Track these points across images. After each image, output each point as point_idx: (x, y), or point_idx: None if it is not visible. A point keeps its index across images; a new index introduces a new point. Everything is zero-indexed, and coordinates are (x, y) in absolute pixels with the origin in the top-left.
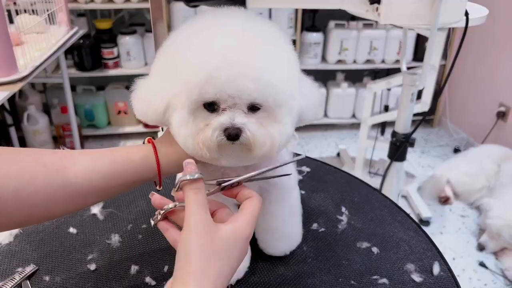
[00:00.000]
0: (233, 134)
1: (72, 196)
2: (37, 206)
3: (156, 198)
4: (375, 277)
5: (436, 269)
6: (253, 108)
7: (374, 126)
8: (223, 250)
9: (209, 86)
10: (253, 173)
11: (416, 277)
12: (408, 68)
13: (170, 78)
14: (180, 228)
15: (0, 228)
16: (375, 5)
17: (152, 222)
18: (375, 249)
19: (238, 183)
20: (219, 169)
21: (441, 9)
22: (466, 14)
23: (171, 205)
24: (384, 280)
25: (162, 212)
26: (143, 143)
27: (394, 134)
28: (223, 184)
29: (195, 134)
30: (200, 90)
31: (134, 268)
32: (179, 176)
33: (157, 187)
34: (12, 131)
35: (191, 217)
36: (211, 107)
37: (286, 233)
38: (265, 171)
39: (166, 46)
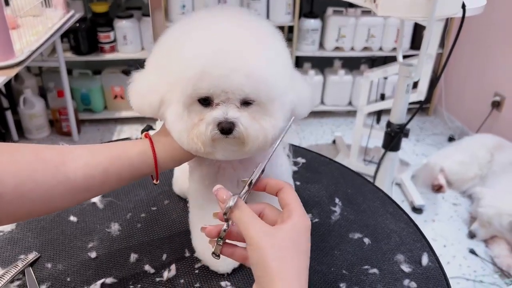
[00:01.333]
0: (226, 128)
1: (71, 192)
2: (37, 201)
3: (211, 229)
4: (366, 267)
5: (424, 260)
6: (246, 102)
7: (370, 114)
8: (291, 248)
9: (202, 82)
10: (269, 156)
11: (405, 268)
12: (406, 57)
13: (164, 73)
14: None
15: (1, 223)
16: None
17: (214, 252)
18: (366, 240)
19: (263, 171)
20: (215, 163)
21: (438, 1)
22: (463, 6)
23: (225, 226)
24: (375, 270)
25: (220, 238)
26: (141, 136)
27: (389, 124)
28: (252, 180)
29: (189, 129)
30: (194, 85)
31: (133, 257)
32: (222, 206)
33: (154, 181)
34: (9, 114)
35: (249, 231)
36: (205, 101)
37: None
38: (272, 154)
39: (162, 42)
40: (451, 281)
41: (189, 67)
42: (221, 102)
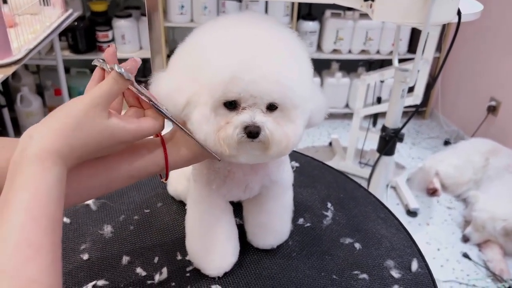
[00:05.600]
0: (253, 132)
1: (78, 188)
2: None
3: (109, 51)
4: (356, 272)
5: (414, 265)
6: (271, 108)
7: (367, 117)
8: (96, 135)
9: (233, 86)
10: (169, 114)
11: (395, 273)
12: (403, 60)
13: (193, 75)
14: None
15: None
16: (369, 1)
17: (94, 62)
18: (357, 245)
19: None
20: (226, 166)
21: (433, 8)
22: (459, 12)
23: (108, 66)
24: (364, 276)
25: (103, 63)
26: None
27: (384, 128)
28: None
29: (216, 131)
30: (224, 89)
31: (125, 259)
32: (114, 65)
33: (163, 180)
34: (5, 112)
35: (94, 93)
36: (231, 105)
37: (276, 228)
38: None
39: (189, 44)
40: (444, 285)
41: (221, 71)
42: (248, 106)
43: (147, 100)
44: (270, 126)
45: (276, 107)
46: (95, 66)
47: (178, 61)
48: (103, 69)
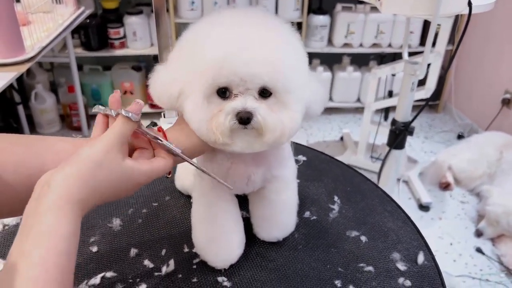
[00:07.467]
0: (244, 118)
1: None
2: None
3: (115, 96)
4: (361, 264)
5: (420, 258)
6: (264, 94)
7: (378, 111)
8: (115, 178)
9: (223, 70)
10: (178, 151)
11: (401, 266)
12: (415, 53)
13: (185, 64)
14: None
15: (12, 214)
16: None
17: (95, 109)
18: (363, 238)
19: (160, 140)
20: (228, 159)
21: None
22: (469, 3)
23: (114, 112)
24: (370, 268)
25: (107, 109)
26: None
27: (393, 122)
28: (146, 130)
29: (208, 119)
30: (214, 74)
31: (133, 251)
32: (121, 110)
33: (167, 175)
34: (20, 109)
35: (108, 136)
36: (224, 94)
37: (281, 221)
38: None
39: (184, 36)
40: (456, 280)
41: (209, 58)
42: (240, 93)
43: (154, 140)
44: (262, 112)
45: (270, 94)
46: (98, 109)
47: (175, 54)
48: (106, 115)
